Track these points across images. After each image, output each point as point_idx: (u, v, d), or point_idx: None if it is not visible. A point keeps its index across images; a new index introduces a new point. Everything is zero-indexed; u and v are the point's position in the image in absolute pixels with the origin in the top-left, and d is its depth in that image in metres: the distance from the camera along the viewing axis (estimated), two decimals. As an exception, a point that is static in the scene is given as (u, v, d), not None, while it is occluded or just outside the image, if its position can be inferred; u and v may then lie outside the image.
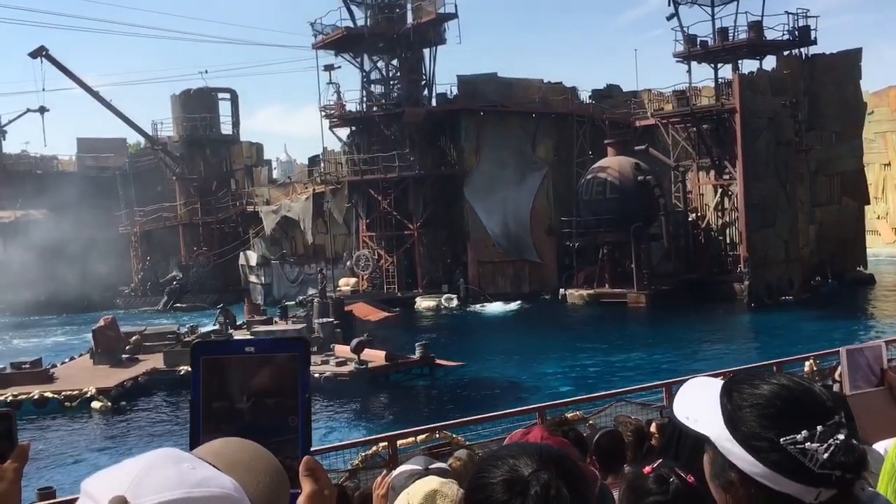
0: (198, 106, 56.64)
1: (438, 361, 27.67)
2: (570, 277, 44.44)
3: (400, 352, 28.35)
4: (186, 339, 30.72)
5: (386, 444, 10.39)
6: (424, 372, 27.36)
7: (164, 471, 1.00)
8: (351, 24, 47.12)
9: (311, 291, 37.68)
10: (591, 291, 42.26)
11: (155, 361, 27.95)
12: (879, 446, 4.67)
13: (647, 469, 2.43)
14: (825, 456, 1.31)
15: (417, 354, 27.20)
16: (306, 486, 1.22)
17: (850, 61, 43.74)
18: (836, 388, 6.58)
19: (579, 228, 43.23)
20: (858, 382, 2.22)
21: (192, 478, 1.00)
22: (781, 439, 1.33)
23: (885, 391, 2.17)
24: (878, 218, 51.64)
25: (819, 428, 1.33)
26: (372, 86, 48.97)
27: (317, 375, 23.65)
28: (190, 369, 1.27)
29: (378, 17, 47.09)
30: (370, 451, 10.86)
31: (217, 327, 32.20)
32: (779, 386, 1.40)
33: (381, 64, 48.77)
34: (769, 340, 31.17)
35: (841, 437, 1.33)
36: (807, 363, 13.60)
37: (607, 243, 42.58)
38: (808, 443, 1.32)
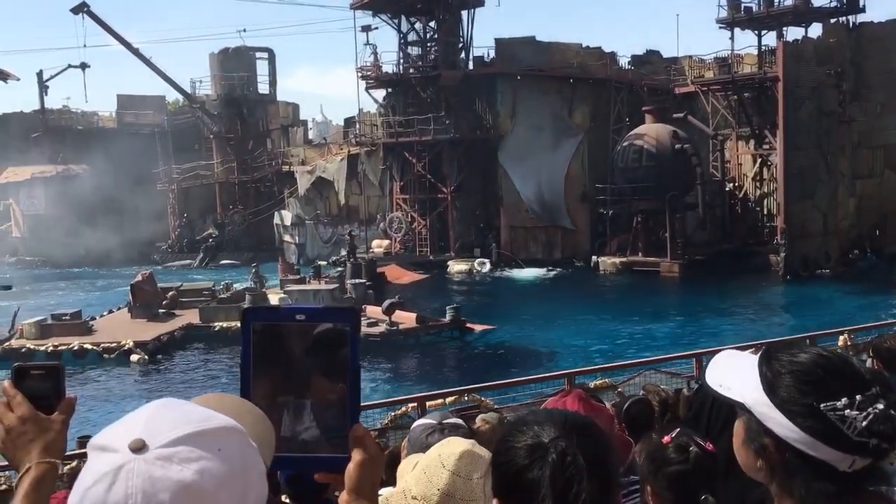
0: (236, 65, 56.80)
1: (469, 325, 27.85)
2: (602, 245, 44.24)
3: (431, 314, 28.58)
4: (222, 295, 31.22)
5: (415, 404, 10.58)
6: (454, 335, 27.57)
7: (170, 413, 1.07)
8: (389, -16, 46.75)
9: (343, 252, 37.93)
10: (623, 259, 42.05)
11: (191, 317, 28.48)
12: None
13: (667, 439, 2.49)
14: (864, 424, 1.34)
15: (448, 317, 27.39)
16: (356, 455, 1.26)
17: (898, 30, 42.52)
18: (868, 363, 6.55)
19: (613, 196, 42.90)
20: None
21: (196, 415, 1.08)
22: (822, 405, 1.37)
23: None
24: (922, 192, 50.53)
25: (858, 397, 1.36)
26: (409, 47, 48.68)
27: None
28: (233, 325, 1.31)
29: (415, -24, 46.63)
30: (399, 412, 11.07)
31: (252, 285, 32.63)
32: (818, 355, 1.43)
33: (418, 25, 48.40)
34: (803, 313, 30.86)
35: (880, 406, 1.36)
36: (841, 337, 13.51)
37: (641, 211, 42.24)
38: (848, 410, 1.35)
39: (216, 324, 27.13)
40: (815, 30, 42.42)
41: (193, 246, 54.00)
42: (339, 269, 35.64)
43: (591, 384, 12.02)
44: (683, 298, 35.63)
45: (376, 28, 48.06)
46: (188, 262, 51.87)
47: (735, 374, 1.51)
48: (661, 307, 33.74)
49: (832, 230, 39.77)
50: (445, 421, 2.53)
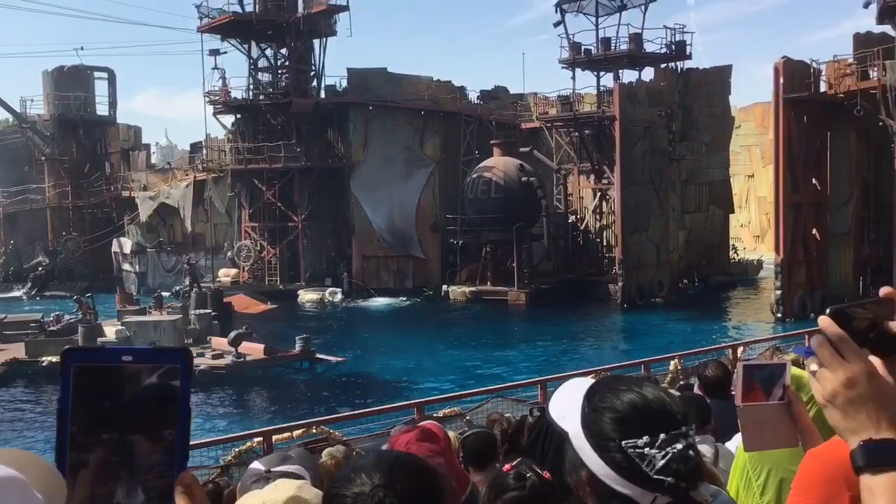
0: (72, 84, 53.91)
1: (319, 356, 27.48)
2: (453, 274, 44.99)
3: (280, 345, 27.98)
4: (51, 328, 29.25)
5: (261, 439, 10.28)
6: (304, 366, 27.11)
7: None
8: (239, 10, 46.00)
9: (186, 282, 36.53)
10: (473, 288, 42.92)
11: (16, 351, 26.52)
12: (731, 444, 5.03)
13: (507, 467, 2.58)
14: (661, 462, 1.41)
15: (298, 348, 26.92)
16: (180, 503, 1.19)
17: (720, 77, 46.16)
18: (696, 388, 7.01)
19: (464, 226, 43.81)
20: (753, 395, 2.35)
21: None
22: (624, 442, 1.43)
23: (783, 405, 2.32)
24: (741, 226, 54.73)
25: (661, 436, 1.42)
26: (259, 73, 47.97)
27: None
28: (55, 361, 1.19)
29: (267, 4, 46.14)
30: (244, 447, 10.71)
31: (78, 316, 30.36)
32: (636, 394, 1.48)
33: (269, 52, 47.84)
34: (639, 339, 32.58)
35: (679, 446, 1.42)
36: (672, 362, 14.31)
37: (490, 241, 43.36)
38: (648, 448, 1.42)
39: (45, 359, 25.35)
40: (648, 73, 45.41)
41: (21, 275, 50.41)
42: (182, 299, 34.26)
43: (440, 413, 12.14)
44: (530, 326, 36.74)
45: (225, 52, 47.10)
46: (16, 293, 48.34)
47: (570, 405, 1.56)
48: (509, 335, 34.66)
49: (664, 261, 42.30)
50: (274, 469, 2.49)
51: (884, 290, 1.27)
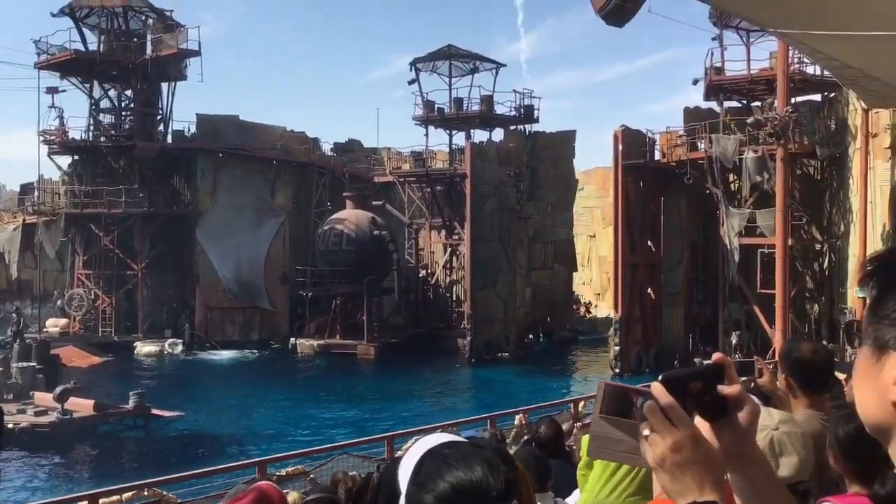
0: None
1: (155, 411, 26.06)
2: (301, 327, 44.13)
3: (113, 400, 26.33)
4: None
5: (86, 502, 9.54)
6: (138, 423, 25.60)
7: None
8: (81, 48, 44.04)
9: (10, 332, 33.81)
10: (321, 342, 42.23)
11: None
12: (571, 499, 5.10)
13: None
14: None
15: (131, 404, 25.42)
16: None
17: (565, 141, 48.48)
18: (542, 430, 7.07)
19: (314, 278, 43.23)
20: (609, 410, 2.45)
21: None
22: None
23: (634, 424, 2.38)
24: (584, 284, 57.14)
25: None
26: (101, 115, 45.91)
27: (11, 426, 21.19)
28: None
29: (113, 44, 44.49)
30: (67, 512, 9.91)
31: None
32: (461, 472, 1.43)
33: (112, 93, 45.95)
34: (486, 394, 33.01)
35: None
36: (517, 416, 14.58)
37: (340, 294, 42.97)
38: None
39: None
40: (498, 134, 47.03)
41: None
42: (4, 350, 31.67)
43: (284, 472, 11.73)
44: (378, 381, 36.46)
45: (64, 91, 44.81)
46: None
47: (406, 469, 1.53)
48: (357, 390, 34.21)
49: (511, 316, 43.35)
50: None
51: (715, 356, 1.33)
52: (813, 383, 3.45)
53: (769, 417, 2.10)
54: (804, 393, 3.44)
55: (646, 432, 1.28)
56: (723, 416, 1.28)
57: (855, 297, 27.06)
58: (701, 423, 1.29)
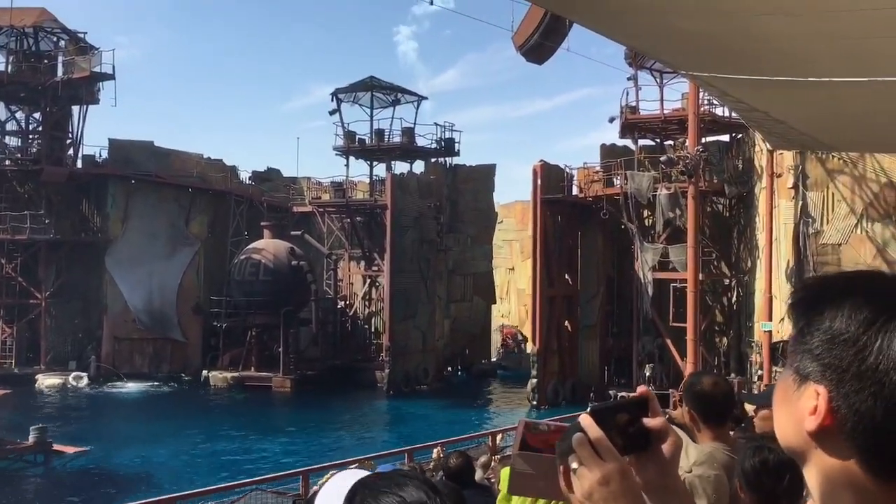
0: None
1: (56, 447, 24.90)
2: (214, 358, 43.01)
3: (11, 436, 25.03)
4: None
5: (-22, 547, 8.99)
6: (38, 459, 24.40)
7: None
8: (-13, 67, 42.44)
9: None
10: (235, 374, 41.24)
11: None
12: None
13: None
14: None
15: (31, 439, 24.23)
16: None
17: (485, 174, 49.09)
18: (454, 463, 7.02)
19: (229, 308, 42.29)
20: (528, 447, 2.52)
21: None
22: None
23: (552, 459, 2.45)
24: (503, 316, 57.60)
25: None
26: (7, 137, 44.19)
27: None
28: None
29: (22, 65, 43.01)
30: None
31: None
32: (397, 497, 1.45)
33: (20, 115, 44.32)
34: (404, 427, 32.75)
35: None
36: (434, 450, 14.47)
37: (256, 325, 42.13)
38: None
39: None
40: (419, 166, 47.27)
41: None
42: None
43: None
44: (294, 414, 35.76)
45: (-34, 112, 43.00)
46: None
47: (333, 501, 1.50)
48: (272, 423, 33.47)
49: (430, 348, 43.30)
50: None
51: (640, 389, 1.36)
52: (714, 416, 3.53)
53: (685, 459, 2.14)
54: (706, 426, 3.52)
55: (574, 465, 1.29)
56: (646, 448, 1.30)
57: (761, 331, 28.07)
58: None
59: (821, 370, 1.05)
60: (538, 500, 3.43)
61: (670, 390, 28.07)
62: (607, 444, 1.26)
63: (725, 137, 35.79)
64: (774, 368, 25.87)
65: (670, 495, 1.31)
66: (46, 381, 39.93)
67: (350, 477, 1.61)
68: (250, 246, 42.93)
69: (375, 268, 44.11)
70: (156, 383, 41.64)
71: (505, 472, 3.12)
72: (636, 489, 1.28)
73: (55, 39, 44.50)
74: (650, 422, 1.30)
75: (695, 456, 2.15)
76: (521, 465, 2.52)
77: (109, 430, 30.20)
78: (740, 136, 33.94)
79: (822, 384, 1.04)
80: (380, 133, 45.54)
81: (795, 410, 1.08)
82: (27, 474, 24.06)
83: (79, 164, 44.77)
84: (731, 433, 4.86)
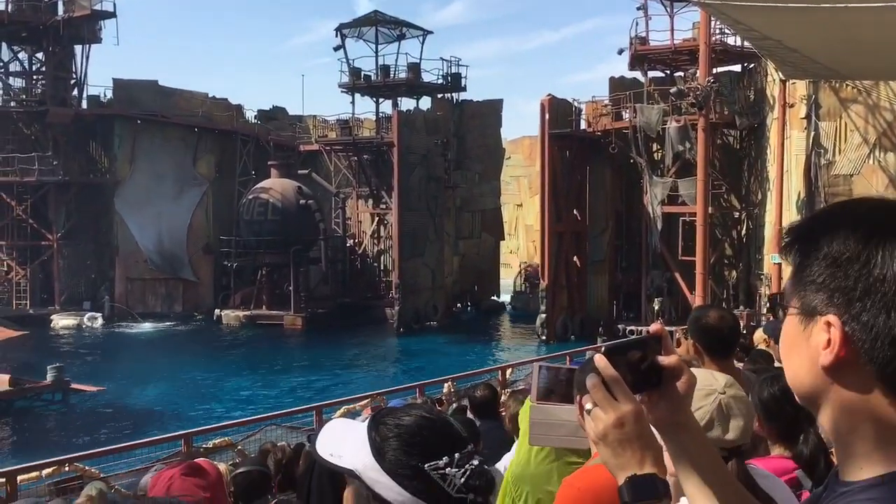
0: None
1: (74, 386, 25.40)
2: (226, 298, 43.41)
3: (29, 375, 25.51)
4: None
5: (3, 480, 9.23)
6: (57, 398, 24.91)
7: None
8: (-13, 7, 41.90)
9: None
10: (247, 313, 41.66)
11: None
12: (500, 465, 5.18)
13: None
14: (461, 480, 1.41)
15: (49, 378, 24.69)
16: None
17: (492, 110, 48.60)
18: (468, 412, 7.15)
19: (239, 248, 42.50)
20: (546, 395, 2.53)
21: None
22: (426, 465, 1.41)
23: (573, 408, 2.47)
24: (511, 252, 57.72)
25: (457, 455, 1.43)
26: (10, 78, 43.86)
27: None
28: None
29: (22, 4, 42.40)
30: (-18, 491, 9.58)
31: None
32: (421, 418, 1.48)
33: (22, 55, 43.90)
34: (414, 363, 33.18)
35: (475, 462, 1.44)
36: (445, 385, 14.66)
37: (266, 264, 42.38)
38: (448, 468, 1.41)
39: None
40: (426, 102, 46.76)
41: None
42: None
43: (210, 444, 11.56)
44: (306, 351, 36.23)
45: (-31, 53, 42.64)
46: None
47: (345, 442, 1.51)
48: (284, 360, 33.95)
49: (439, 285, 43.54)
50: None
51: (653, 327, 1.36)
52: (719, 350, 3.56)
53: (715, 381, 2.16)
54: (711, 359, 3.54)
55: (588, 406, 1.29)
56: (658, 386, 1.30)
57: (771, 263, 28.08)
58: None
59: (827, 297, 1.03)
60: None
61: (674, 328, 28.24)
62: (623, 385, 1.26)
63: (737, 67, 35.17)
64: (765, 314, 25.91)
65: (683, 432, 1.31)
66: (61, 321, 40.47)
67: (351, 421, 1.64)
68: (258, 185, 42.89)
69: (383, 206, 44.07)
70: (169, 322, 42.16)
71: (525, 409, 3.15)
72: (650, 431, 1.29)
73: (55, -23, 43.79)
74: (664, 359, 1.30)
75: (723, 380, 2.18)
76: (540, 415, 2.55)
77: (125, 369, 30.72)
78: (752, 65, 33.35)
79: (830, 312, 1.03)
80: (385, 69, 44.97)
81: (807, 351, 1.06)
82: (47, 412, 24.58)
83: (84, 104, 44.52)
84: (741, 364, 4.91)
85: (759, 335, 8.59)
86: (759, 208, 32.57)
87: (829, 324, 1.03)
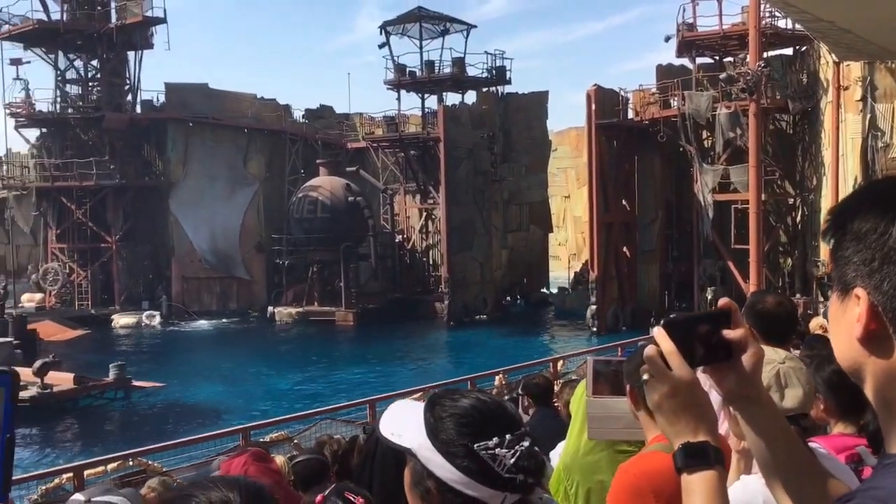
0: None
1: (135, 383, 26.04)
2: (279, 295, 44.05)
3: (92, 373, 26.23)
4: None
5: (71, 474, 9.57)
6: (119, 395, 25.57)
7: None
8: (44, 17, 43.06)
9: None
10: (299, 309, 42.22)
11: None
12: (554, 453, 5.22)
13: (319, 498, 2.53)
14: (511, 461, 1.46)
15: (111, 376, 25.35)
16: None
17: (538, 102, 48.33)
18: (521, 401, 7.21)
19: (290, 246, 43.07)
20: (600, 388, 2.61)
21: None
22: (475, 445, 1.47)
23: (626, 400, 2.54)
24: (559, 244, 57.34)
25: (508, 436, 1.48)
26: (68, 86, 45.07)
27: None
28: None
29: (76, 13, 43.52)
30: (51, 484, 9.94)
31: None
32: (476, 399, 1.54)
33: (78, 63, 45.06)
34: (465, 356, 33.25)
35: (526, 444, 1.49)
36: (497, 377, 14.70)
37: (317, 262, 42.87)
38: (499, 449, 1.47)
39: None
40: (471, 97, 46.74)
41: None
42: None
43: (267, 438, 11.80)
44: (358, 346, 36.58)
45: (28, 62, 43.90)
46: None
47: (405, 422, 1.58)
48: (337, 356, 34.34)
49: (488, 279, 43.54)
50: (95, 499, 2.32)
51: (722, 301, 1.40)
52: (776, 335, 3.53)
53: (775, 353, 2.21)
54: (767, 344, 3.53)
55: (645, 377, 1.33)
56: (727, 360, 1.33)
57: (827, 249, 27.47)
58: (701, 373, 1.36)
59: (853, 270, 1.08)
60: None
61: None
62: (678, 357, 1.30)
63: (788, 51, 34.41)
64: (822, 300, 25.38)
65: (754, 406, 1.34)
66: (121, 320, 41.52)
67: (413, 402, 1.71)
68: (307, 184, 43.39)
69: (431, 201, 44.22)
70: (224, 320, 42.95)
71: (579, 394, 3.19)
72: (704, 401, 1.32)
73: (106, -15, 44.82)
74: (731, 333, 1.33)
75: (784, 353, 2.23)
76: (596, 409, 2.59)
77: (183, 366, 31.39)
78: (804, 48, 32.62)
79: (859, 285, 1.07)
80: (430, 65, 45.03)
81: (845, 325, 1.10)
82: (110, 409, 25.26)
83: (138, 109, 45.54)
84: (797, 352, 4.85)
85: (816, 322, 8.45)
86: (815, 194, 31.88)
87: (857, 297, 1.07)
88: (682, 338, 1.30)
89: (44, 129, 44.84)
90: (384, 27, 44.96)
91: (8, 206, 44.51)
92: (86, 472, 9.55)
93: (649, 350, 1.32)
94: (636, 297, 37.52)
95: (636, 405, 2.41)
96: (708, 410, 1.32)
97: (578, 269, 47.88)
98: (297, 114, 49.89)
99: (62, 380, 24.32)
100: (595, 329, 35.84)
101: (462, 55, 45.14)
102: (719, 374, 1.35)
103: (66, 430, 23.40)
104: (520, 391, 7.56)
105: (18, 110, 43.23)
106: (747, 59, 31.93)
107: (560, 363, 15.56)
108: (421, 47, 45.63)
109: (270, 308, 42.97)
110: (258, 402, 25.68)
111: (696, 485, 1.28)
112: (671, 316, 1.35)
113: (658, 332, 1.32)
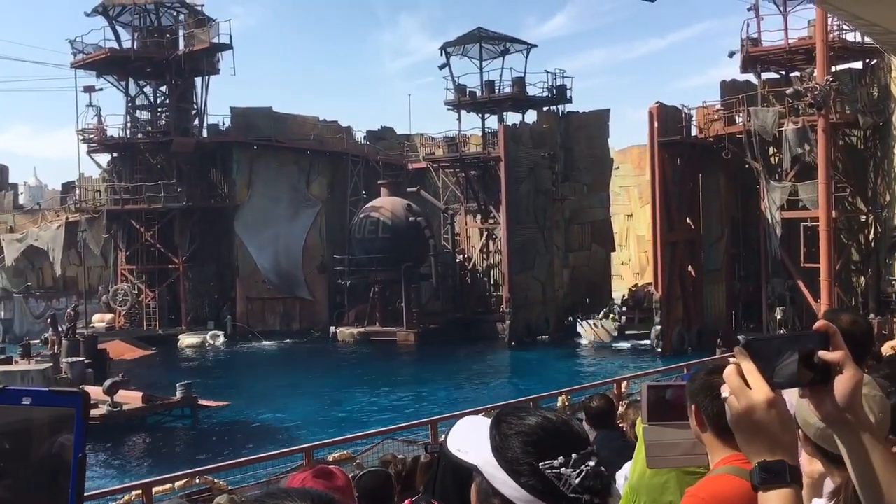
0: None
1: (201, 402, 26.46)
2: (341, 315, 44.44)
3: (160, 392, 26.81)
4: None
5: (140, 491, 9.73)
6: (186, 413, 26.01)
7: None
8: (116, 46, 44.62)
9: (62, 328, 34.39)
10: (361, 329, 42.49)
11: None
12: (620, 474, 5.10)
13: (407, 502, 2.50)
14: (577, 480, 1.43)
15: (178, 395, 25.83)
16: None
17: (599, 120, 47.94)
18: (584, 422, 7.06)
19: (351, 266, 43.47)
20: (657, 415, 2.53)
21: None
22: (540, 464, 1.44)
23: (685, 425, 2.46)
24: (622, 264, 56.64)
25: (574, 455, 1.45)
26: (137, 111, 46.53)
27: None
28: None
29: (146, 41, 44.98)
30: (121, 501, 10.13)
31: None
32: (542, 418, 1.52)
33: (148, 89, 46.51)
34: (528, 376, 32.97)
35: (591, 464, 1.45)
36: (559, 398, 14.52)
37: (378, 282, 43.14)
38: (564, 468, 1.43)
39: None
40: (531, 116, 46.68)
41: None
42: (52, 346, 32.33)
43: (330, 457, 11.84)
44: (419, 366, 36.60)
45: (100, 89, 45.49)
46: None
47: (471, 439, 1.57)
48: (398, 376, 34.39)
49: (550, 299, 43.18)
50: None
51: (819, 323, 1.37)
52: (851, 356, 3.37)
53: None
54: None
55: (725, 394, 1.33)
56: (824, 382, 1.31)
57: (902, 268, 26.51)
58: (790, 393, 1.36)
59: None
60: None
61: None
62: (757, 375, 1.29)
63: (858, 64, 33.52)
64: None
65: (853, 432, 1.32)
66: (187, 340, 42.40)
67: (480, 418, 1.69)
68: (369, 204, 43.81)
69: (492, 220, 44.17)
70: (287, 340, 43.49)
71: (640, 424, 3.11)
72: (785, 419, 1.31)
73: (175, 13, 46.22)
74: (826, 354, 1.31)
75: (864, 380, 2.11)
76: (654, 437, 2.51)
77: (247, 385, 31.85)
78: (874, 61, 31.75)
79: None
80: (490, 85, 45.17)
81: None
82: (177, 427, 25.73)
83: (204, 133, 46.73)
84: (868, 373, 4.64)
85: (889, 345, 8.11)
86: (888, 210, 30.85)
87: None
88: (762, 357, 1.30)
89: (114, 154, 46.30)
90: (444, 48, 45.29)
91: (80, 229, 45.97)
92: (154, 490, 9.71)
93: (729, 368, 1.32)
94: (703, 318, 36.73)
95: (701, 426, 2.34)
96: (787, 430, 1.32)
97: (626, 291, 46.55)
98: (359, 135, 50.55)
99: (131, 398, 24.89)
100: (660, 350, 35.18)
101: (522, 74, 45.18)
102: (818, 397, 1.33)
103: (135, 448, 23.90)
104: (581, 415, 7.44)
105: (91, 136, 44.75)
106: (815, 74, 31.18)
107: (624, 384, 15.29)
108: (481, 67, 45.84)
109: (332, 328, 43.35)
110: (321, 422, 25.85)
111: (772, 502, 1.29)
112: (751, 337, 1.35)
113: (738, 352, 1.31)
